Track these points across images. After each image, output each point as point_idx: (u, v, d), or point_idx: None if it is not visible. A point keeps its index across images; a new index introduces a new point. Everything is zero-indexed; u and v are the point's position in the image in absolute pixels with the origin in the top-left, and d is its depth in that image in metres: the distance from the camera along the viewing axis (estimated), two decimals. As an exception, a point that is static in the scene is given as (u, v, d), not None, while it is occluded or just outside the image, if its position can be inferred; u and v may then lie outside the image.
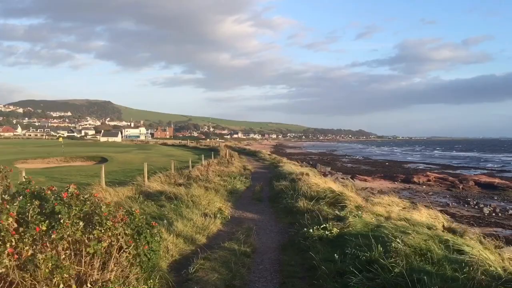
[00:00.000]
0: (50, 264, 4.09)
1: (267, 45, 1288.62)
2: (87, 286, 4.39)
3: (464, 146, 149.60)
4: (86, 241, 4.57)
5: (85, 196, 4.92)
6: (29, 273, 4.02)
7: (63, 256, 4.31)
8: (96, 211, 4.76)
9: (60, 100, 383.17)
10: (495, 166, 54.94)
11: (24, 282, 4.00)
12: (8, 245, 3.95)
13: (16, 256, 4.01)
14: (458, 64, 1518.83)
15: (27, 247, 4.12)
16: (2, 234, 3.95)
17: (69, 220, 4.42)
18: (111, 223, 4.73)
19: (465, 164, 59.36)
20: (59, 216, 4.38)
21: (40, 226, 4.24)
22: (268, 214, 12.50)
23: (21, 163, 26.76)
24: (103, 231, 4.64)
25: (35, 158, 31.90)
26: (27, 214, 4.30)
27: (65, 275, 4.15)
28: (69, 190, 4.83)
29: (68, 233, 4.38)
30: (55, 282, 4.10)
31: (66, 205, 4.55)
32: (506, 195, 26.69)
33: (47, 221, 4.32)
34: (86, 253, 4.54)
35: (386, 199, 13.87)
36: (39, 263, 4.02)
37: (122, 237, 5.00)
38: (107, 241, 4.70)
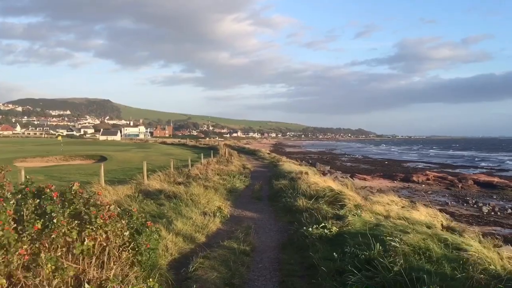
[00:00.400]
0: (50, 265, 4.06)
1: (266, 43, 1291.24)
2: (85, 284, 4.37)
3: (461, 145, 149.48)
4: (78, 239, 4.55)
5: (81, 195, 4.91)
6: (31, 273, 4.00)
7: (59, 253, 4.29)
8: (84, 211, 4.72)
9: (59, 98, 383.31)
10: (491, 165, 54.88)
11: (27, 283, 3.98)
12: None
13: (26, 257, 3.98)
14: (457, 63, 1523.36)
15: (25, 246, 4.10)
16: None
17: (64, 218, 4.39)
18: (101, 221, 4.69)
19: (464, 163, 59.42)
20: (53, 215, 4.35)
21: (36, 225, 4.22)
22: (267, 213, 12.49)
23: (20, 162, 26.74)
24: (94, 229, 4.60)
25: (34, 156, 31.87)
26: (23, 213, 4.27)
27: (65, 277, 4.13)
28: (73, 187, 4.82)
29: (63, 231, 4.35)
30: (56, 283, 4.07)
31: (61, 203, 4.53)
32: (505, 194, 26.69)
33: (41, 220, 4.30)
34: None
35: (385, 198, 13.84)
36: (42, 262, 4.00)
37: (118, 235, 4.98)
38: (95, 240, 4.63)
